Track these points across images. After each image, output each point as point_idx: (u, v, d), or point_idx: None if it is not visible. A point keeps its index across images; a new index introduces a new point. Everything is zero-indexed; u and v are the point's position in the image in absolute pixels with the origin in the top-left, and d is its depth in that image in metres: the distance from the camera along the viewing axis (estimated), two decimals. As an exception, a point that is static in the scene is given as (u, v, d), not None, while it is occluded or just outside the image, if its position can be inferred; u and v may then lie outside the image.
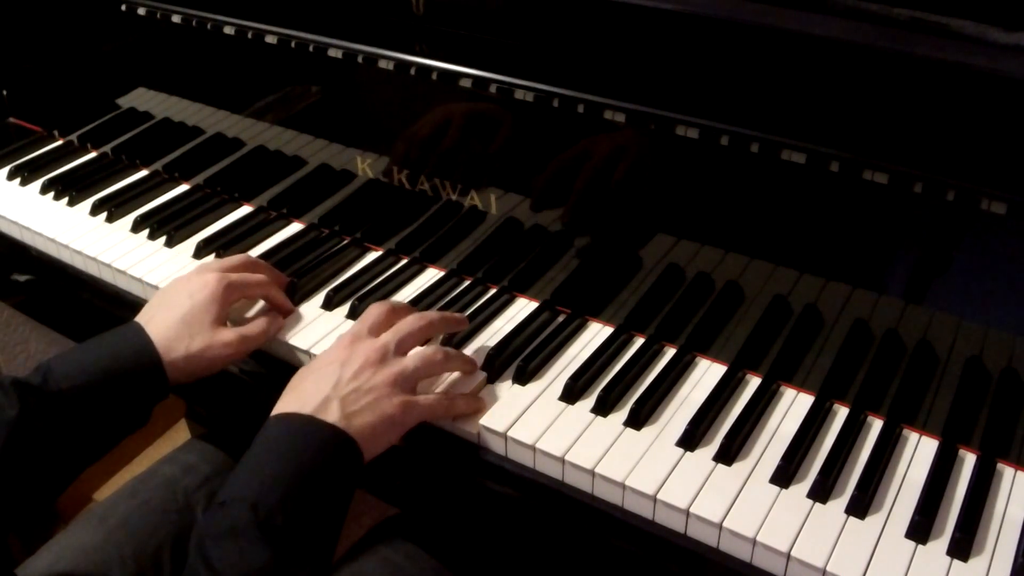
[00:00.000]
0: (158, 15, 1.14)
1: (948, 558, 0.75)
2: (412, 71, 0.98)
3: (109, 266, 1.12)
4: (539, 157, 0.95)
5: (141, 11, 1.15)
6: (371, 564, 0.93)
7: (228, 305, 0.94)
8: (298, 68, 1.08)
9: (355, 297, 1.03)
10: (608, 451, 0.84)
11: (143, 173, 1.30)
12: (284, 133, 1.14)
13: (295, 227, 1.19)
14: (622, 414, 0.88)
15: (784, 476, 0.81)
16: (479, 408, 0.88)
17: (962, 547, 0.75)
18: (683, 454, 0.84)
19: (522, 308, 1.03)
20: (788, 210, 0.86)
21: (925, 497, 0.79)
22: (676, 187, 0.90)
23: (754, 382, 0.92)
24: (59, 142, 1.38)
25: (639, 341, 0.97)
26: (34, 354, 1.75)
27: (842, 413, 0.89)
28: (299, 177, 1.16)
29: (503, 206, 1.00)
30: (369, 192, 1.10)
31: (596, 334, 0.99)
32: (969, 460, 0.84)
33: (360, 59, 1.00)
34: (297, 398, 0.81)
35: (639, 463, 0.82)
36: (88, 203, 1.22)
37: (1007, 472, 0.83)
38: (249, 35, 1.07)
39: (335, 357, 0.84)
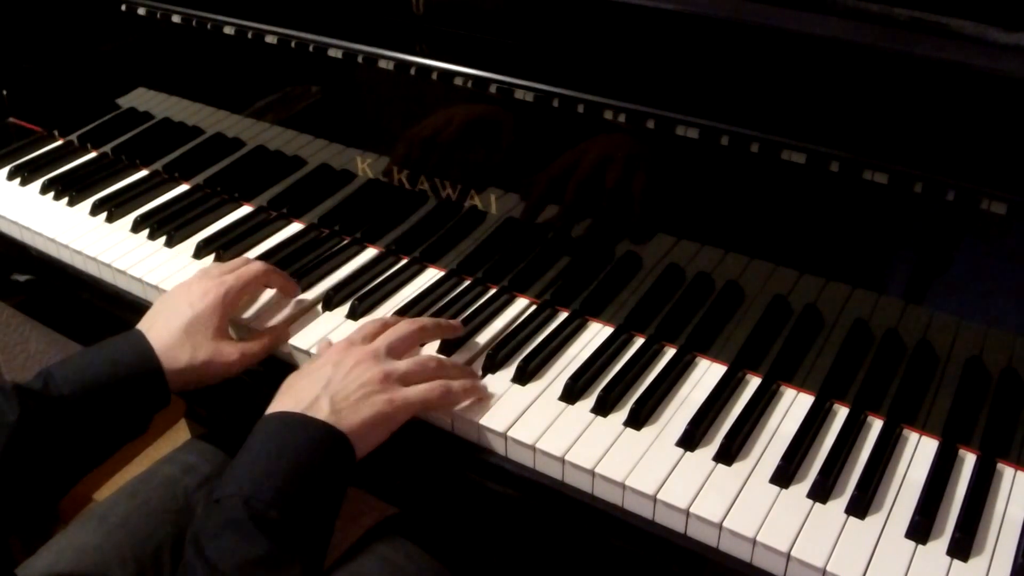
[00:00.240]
0: (158, 15, 1.14)
1: (948, 558, 0.75)
2: (412, 71, 0.98)
3: (109, 266, 1.12)
4: (539, 157, 0.95)
5: (141, 11, 1.15)
6: (371, 564, 0.93)
7: (230, 312, 0.95)
8: (298, 68, 1.08)
9: (355, 297, 1.03)
10: (608, 451, 0.84)
11: (143, 173, 1.30)
12: (284, 133, 1.14)
13: (295, 227, 1.19)
14: (622, 414, 0.88)
15: (784, 476, 0.81)
16: (477, 394, 0.88)
17: (962, 547, 0.75)
18: (683, 454, 0.84)
19: (522, 308, 1.03)
20: (788, 210, 0.86)
21: (925, 497, 0.79)
22: (676, 187, 0.90)
23: (754, 382, 0.92)
24: (59, 142, 1.38)
25: (639, 341, 0.97)
26: (34, 354, 1.75)
27: (842, 413, 0.89)
28: (299, 177, 1.16)
29: (503, 206, 1.00)
30: (369, 192, 1.10)
31: (596, 334, 0.99)
32: (969, 460, 0.84)
33: (360, 59, 1.00)
34: (290, 397, 0.82)
35: (639, 463, 0.82)
36: (88, 203, 1.22)
37: (1007, 472, 0.83)
38: (249, 35, 1.07)
39: (328, 360, 0.86)
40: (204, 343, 0.90)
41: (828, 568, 0.74)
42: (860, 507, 0.78)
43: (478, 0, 0.98)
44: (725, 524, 0.77)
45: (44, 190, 1.26)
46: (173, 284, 1.06)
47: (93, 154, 1.36)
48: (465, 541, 0.98)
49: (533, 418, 0.87)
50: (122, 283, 1.12)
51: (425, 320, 0.94)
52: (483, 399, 0.89)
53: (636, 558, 0.81)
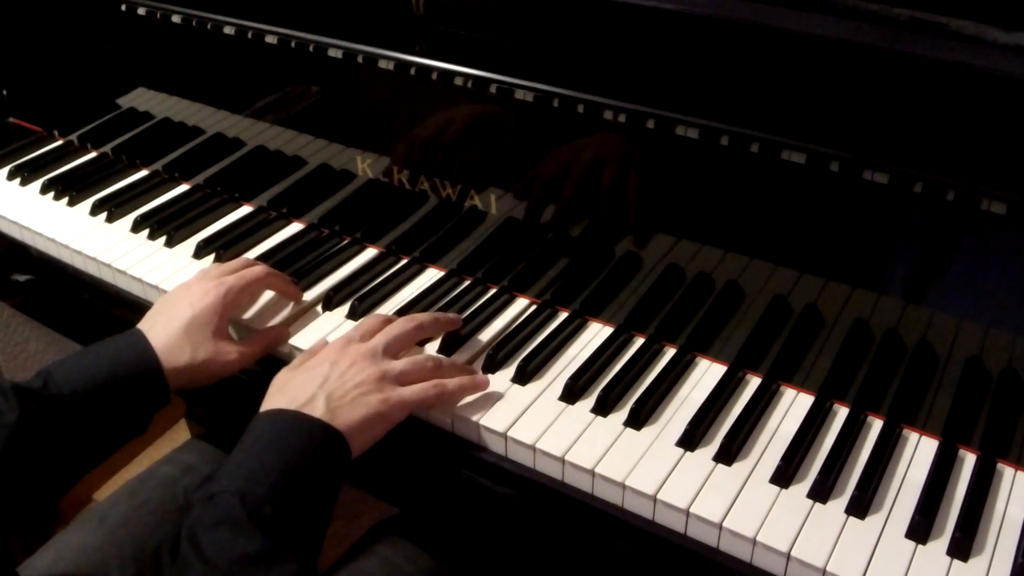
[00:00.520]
0: (158, 15, 1.14)
1: (948, 558, 0.75)
2: (412, 71, 0.98)
3: (109, 266, 1.12)
4: (539, 157, 0.95)
5: (141, 11, 1.15)
6: (370, 564, 0.93)
7: (230, 313, 0.95)
8: (298, 68, 1.08)
9: (355, 297, 1.03)
10: (608, 451, 0.84)
11: (143, 173, 1.30)
12: (284, 133, 1.14)
13: (295, 227, 1.19)
14: (622, 414, 0.88)
15: (784, 476, 0.81)
16: (475, 390, 0.88)
17: (962, 547, 0.75)
18: (683, 454, 0.84)
19: (522, 308, 1.03)
20: (788, 210, 0.86)
21: (925, 497, 0.79)
22: (676, 187, 0.90)
23: (754, 382, 0.92)
24: (59, 142, 1.38)
25: (639, 341, 0.97)
26: (34, 354, 1.75)
27: (842, 413, 0.89)
28: (299, 177, 1.16)
29: (503, 206, 1.00)
30: (369, 192, 1.10)
31: (596, 334, 0.99)
32: (969, 460, 0.84)
33: (360, 59, 1.00)
34: (285, 395, 0.82)
35: (639, 463, 0.82)
36: (88, 203, 1.22)
37: (1007, 472, 0.83)
38: (249, 35, 1.07)
39: (325, 358, 0.86)
40: (204, 343, 0.90)
41: (828, 568, 0.74)
42: (860, 507, 0.78)
43: (478, 0, 0.98)
44: (725, 524, 0.77)
45: (44, 190, 1.26)
46: (173, 284, 1.06)
47: (93, 154, 1.36)
48: (465, 541, 0.98)
49: (533, 418, 0.87)
50: (122, 283, 1.12)
51: (422, 317, 0.94)
52: (482, 398, 0.89)
53: (636, 558, 0.81)
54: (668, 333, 0.96)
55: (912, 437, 0.86)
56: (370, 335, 0.90)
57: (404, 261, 1.11)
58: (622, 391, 0.90)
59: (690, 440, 0.84)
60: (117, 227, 1.18)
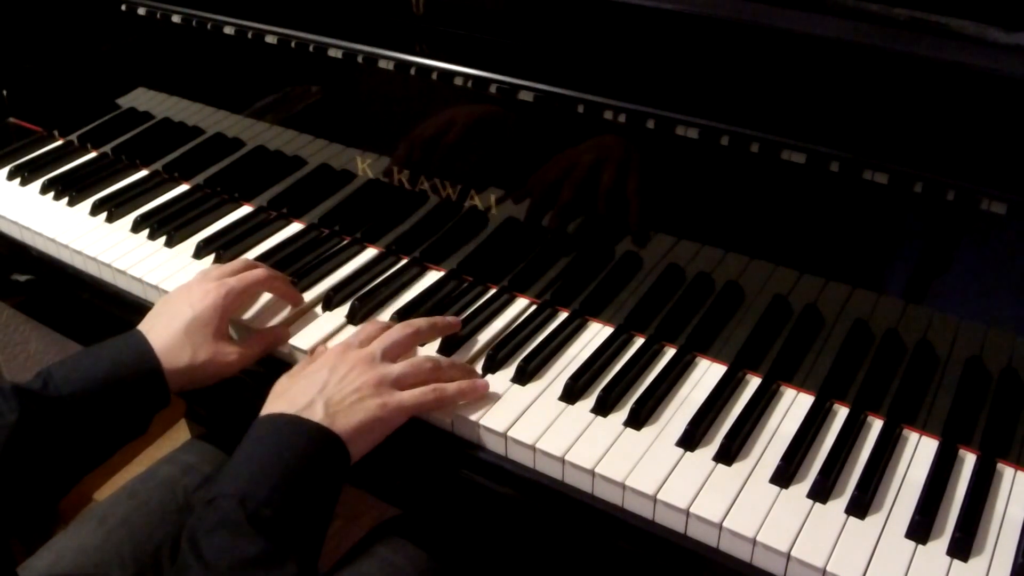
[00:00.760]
0: (158, 15, 1.14)
1: (948, 558, 0.75)
2: (412, 71, 0.98)
3: (109, 266, 1.12)
4: (539, 157, 0.95)
5: (141, 11, 1.15)
6: (371, 565, 0.93)
7: (230, 314, 0.95)
8: (298, 68, 1.08)
9: (355, 297, 1.03)
10: (608, 451, 0.84)
11: (143, 173, 1.30)
12: (284, 133, 1.14)
13: (295, 227, 1.19)
14: (622, 414, 0.88)
15: (784, 476, 0.81)
16: (474, 394, 0.88)
17: (962, 547, 0.75)
18: (683, 454, 0.84)
19: (522, 308, 1.03)
20: (788, 210, 0.86)
21: (925, 497, 0.79)
22: (676, 187, 0.90)
23: (754, 382, 0.92)
24: (59, 142, 1.38)
25: (639, 341, 0.97)
26: (34, 354, 1.75)
27: (842, 413, 0.89)
28: (299, 177, 1.16)
29: (503, 206, 1.00)
30: (369, 192, 1.10)
31: (596, 334, 0.99)
32: (969, 460, 0.84)
33: (360, 59, 1.00)
34: (285, 400, 0.83)
35: (639, 463, 0.82)
36: (88, 203, 1.22)
37: (1007, 472, 0.83)
38: (249, 35, 1.07)
39: (324, 363, 0.87)
40: (204, 344, 0.90)
41: (828, 568, 0.74)
42: (860, 507, 0.78)
43: (478, 0, 0.98)
44: (725, 524, 0.77)
45: (44, 190, 1.26)
46: (173, 284, 1.06)
47: (93, 154, 1.36)
48: (465, 542, 0.98)
49: (533, 418, 0.87)
50: (122, 283, 1.12)
51: (420, 322, 0.94)
52: (482, 399, 0.89)
53: (636, 558, 0.81)
54: (668, 333, 0.96)
55: (912, 437, 0.86)
56: (369, 341, 0.90)
57: (404, 261, 1.11)
58: (622, 391, 0.90)
59: (690, 440, 0.84)
60: (117, 227, 1.18)
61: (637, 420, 0.87)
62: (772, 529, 0.76)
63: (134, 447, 1.76)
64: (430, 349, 0.96)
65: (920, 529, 0.76)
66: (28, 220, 1.20)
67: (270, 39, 1.06)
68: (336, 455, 0.79)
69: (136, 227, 1.17)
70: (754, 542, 0.76)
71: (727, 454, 0.83)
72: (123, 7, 1.16)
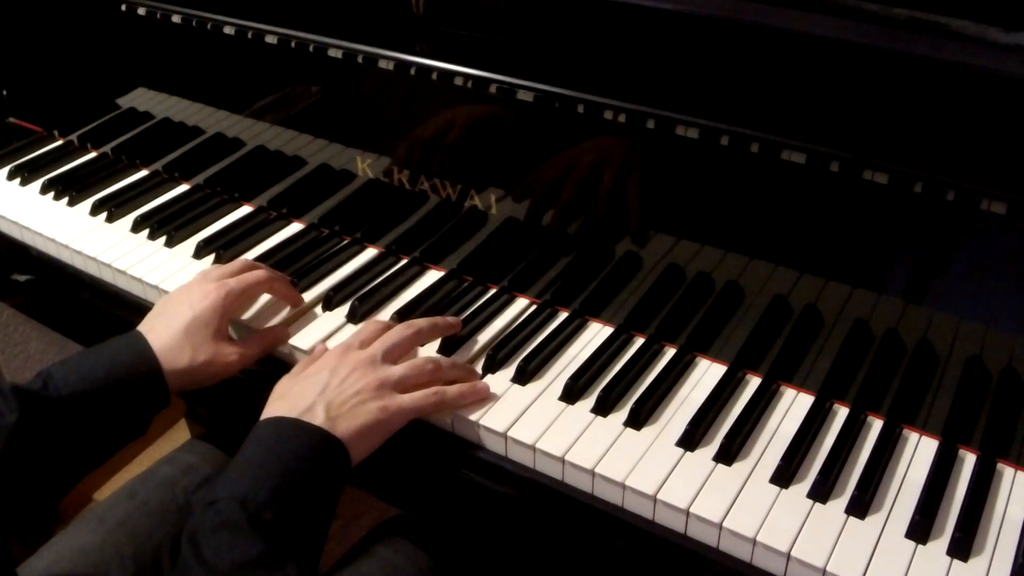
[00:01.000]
0: (158, 15, 1.14)
1: (948, 558, 0.75)
2: (412, 71, 0.98)
3: (109, 266, 1.12)
4: (539, 157, 0.95)
5: (141, 11, 1.15)
6: (371, 565, 0.93)
7: (230, 314, 0.95)
8: (298, 68, 1.08)
9: (355, 297, 1.03)
10: (608, 451, 0.84)
11: (143, 173, 1.30)
12: (284, 133, 1.14)
13: (295, 227, 1.19)
14: (622, 414, 0.88)
15: (784, 476, 0.81)
16: (474, 398, 0.88)
17: (962, 547, 0.75)
18: (683, 454, 0.84)
19: (522, 308, 1.03)
20: (788, 210, 0.86)
21: (925, 497, 0.79)
22: (676, 187, 0.90)
23: (754, 382, 0.92)
24: (59, 142, 1.38)
25: (639, 341, 0.97)
26: (34, 354, 1.75)
27: (842, 413, 0.89)
28: (299, 177, 1.16)
29: (503, 206, 1.00)
30: (369, 192, 1.10)
31: (596, 334, 0.99)
32: (969, 460, 0.84)
33: (360, 59, 1.00)
34: (285, 403, 0.83)
35: (639, 463, 0.82)
36: (88, 203, 1.22)
37: (1007, 472, 0.83)
38: (249, 35, 1.07)
39: (324, 365, 0.86)
40: (204, 344, 0.90)
41: (828, 568, 0.74)
42: (860, 507, 0.78)
43: (478, 0, 0.98)
44: (725, 524, 0.77)
45: (44, 190, 1.26)
46: (173, 284, 1.06)
47: (93, 154, 1.36)
48: (465, 542, 0.98)
49: (533, 418, 0.87)
50: (122, 283, 1.12)
51: (421, 322, 0.94)
52: (481, 400, 0.89)
53: (636, 558, 0.81)
54: (668, 333, 0.96)
55: (912, 437, 0.86)
56: (370, 342, 0.90)
57: (404, 261, 1.11)
58: (622, 391, 0.90)
59: (690, 440, 0.84)
60: (117, 227, 1.18)
61: (637, 420, 0.87)
62: (772, 529, 0.76)
63: (134, 447, 1.76)
64: (430, 349, 0.96)
65: (920, 529, 0.76)
66: (28, 220, 1.20)
67: (270, 39, 1.06)
68: (337, 458, 0.79)
69: (136, 227, 1.17)
70: (754, 542, 0.76)
71: (727, 454, 0.83)
72: (123, 7, 1.16)
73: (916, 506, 0.78)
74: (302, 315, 1.03)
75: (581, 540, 0.85)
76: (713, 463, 0.83)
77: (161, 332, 0.90)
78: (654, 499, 0.79)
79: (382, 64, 0.99)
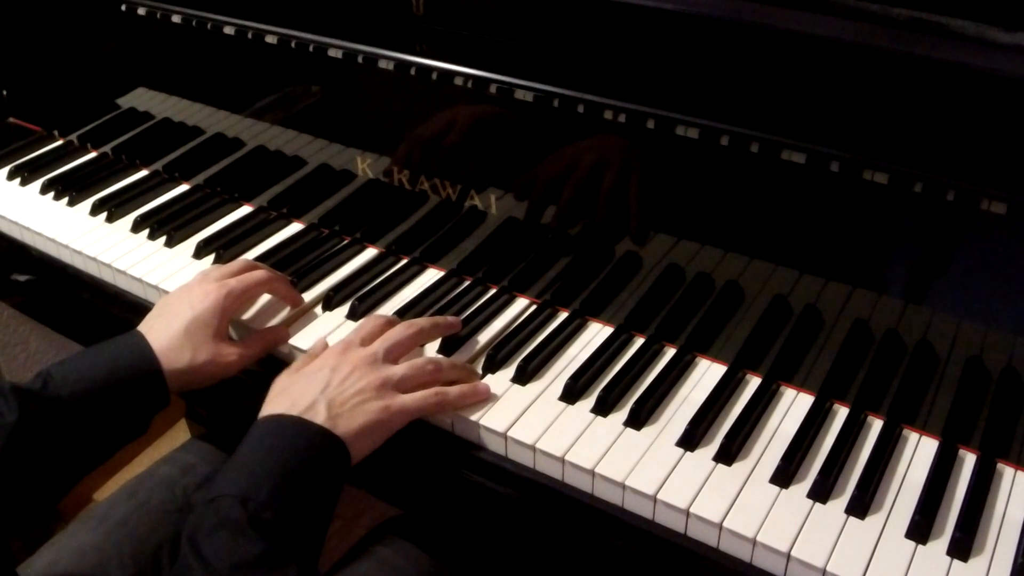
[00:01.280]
0: (158, 15, 1.14)
1: (948, 558, 0.75)
2: (412, 71, 0.98)
3: (109, 266, 1.12)
4: (539, 157, 0.95)
5: (141, 11, 1.15)
6: (371, 565, 0.93)
7: (231, 314, 0.95)
8: (298, 68, 1.08)
9: (355, 297, 1.03)
10: (608, 451, 0.84)
11: (143, 173, 1.30)
12: (284, 133, 1.14)
13: (295, 227, 1.19)
14: (622, 414, 0.88)
15: (784, 476, 0.81)
16: (475, 399, 0.88)
17: (962, 547, 0.75)
18: (683, 454, 0.84)
19: (522, 308, 1.03)
20: (788, 210, 0.86)
21: (925, 497, 0.79)
22: (676, 187, 0.90)
23: (754, 382, 0.92)
24: (59, 142, 1.38)
25: (639, 341, 0.97)
26: (34, 354, 1.75)
27: (842, 413, 0.89)
28: (299, 177, 1.16)
29: (503, 206, 1.00)
30: (369, 192, 1.10)
31: (596, 334, 0.99)
32: (969, 460, 0.84)
33: (360, 59, 1.00)
34: (285, 400, 0.82)
35: (639, 463, 0.82)
36: (88, 203, 1.22)
37: (1007, 472, 0.83)
38: (249, 35, 1.07)
39: (325, 363, 0.86)
40: (204, 344, 0.90)
41: (828, 568, 0.74)
42: (860, 507, 0.78)
43: (478, 0, 0.98)
44: (725, 524, 0.77)
45: (44, 190, 1.26)
46: (173, 284, 1.06)
47: (93, 154, 1.36)
48: (465, 542, 0.98)
49: (533, 418, 0.87)
50: (122, 283, 1.12)
51: (422, 322, 0.94)
52: (482, 400, 0.89)
53: (636, 558, 0.81)
54: (668, 333, 0.96)
55: (912, 437, 0.86)
56: (371, 339, 0.90)
57: (404, 261, 1.11)
58: (622, 391, 0.90)
59: (690, 440, 0.84)
60: (117, 227, 1.18)
61: (637, 420, 0.87)
62: (772, 529, 0.76)
63: (134, 447, 1.76)
64: (431, 349, 0.96)
65: (920, 529, 0.76)
66: (28, 220, 1.20)
67: (270, 39, 1.06)
68: (337, 457, 0.79)
69: (136, 227, 1.17)
70: (754, 542, 0.76)
71: (727, 454, 0.83)
72: (123, 7, 1.16)
73: (916, 506, 0.78)
74: (302, 315, 1.03)
75: (581, 540, 0.85)
76: (713, 463, 0.83)
77: (161, 332, 0.90)
78: (654, 499, 0.79)
79: (382, 64, 0.99)
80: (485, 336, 0.99)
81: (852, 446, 0.85)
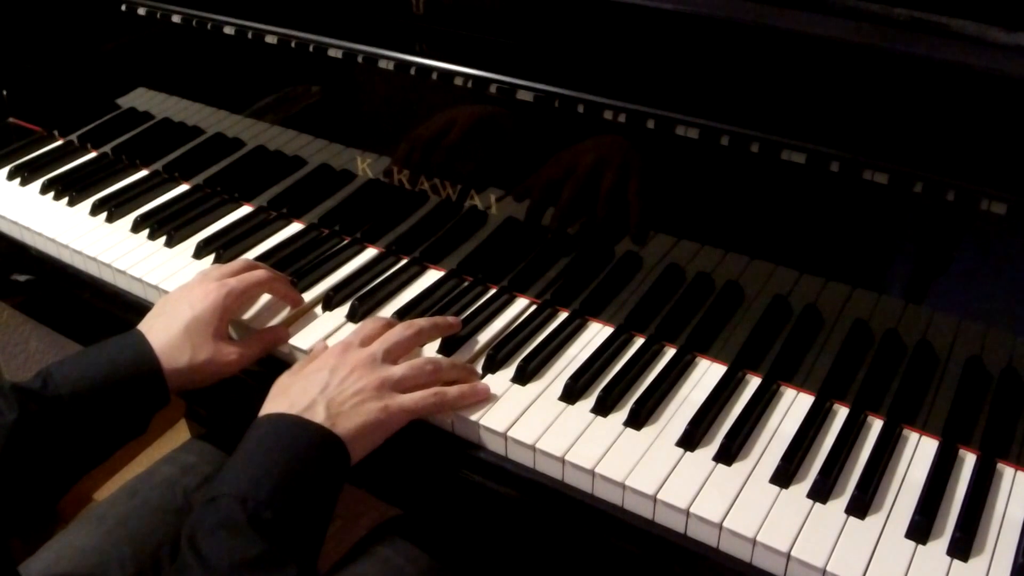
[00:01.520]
0: (158, 15, 1.14)
1: (948, 558, 0.75)
2: (412, 71, 0.98)
3: (109, 266, 1.12)
4: (539, 157, 0.95)
5: (141, 11, 1.15)
6: (371, 565, 0.93)
7: (230, 315, 0.95)
8: (298, 68, 1.08)
9: (355, 297, 1.03)
10: (608, 451, 0.84)
11: (143, 173, 1.30)
12: (284, 133, 1.14)
13: (295, 227, 1.19)
14: (622, 414, 0.88)
15: (784, 476, 0.81)
16: (475, 399, 0.88)
17: (962, 547, 0.75)
18: (683, 454, 0.84)
19: (522, 308, 1.03)
20: (788, 210, 0.86)
21: (925, 497, 0.79)
22: (676, 187, 0.90)
23: (754, 382, 0.92)
24: (59, 142, 1.38)
25: (639, 341, 0.97)
26: (34, 354, 1.75)
27: (842, 413, 0.89)
28: (299, 177, 1.16)
29: (503, 206, 1.00)
30: (369, 192, 1.10)
31: (596, 334, 0.99)
32: (969, 460, 0.84)
33: (360, 59, 1.00)
34: (285, 400, 0.83)
35: (639, 463, 0.82)
36: (88, 203, 1.22)
37: (1007, 472, 0.83)
38: (249, 35, 1.07)
39: (324, 364, 0.86)
40: (204, 344, 0.90)
41: (828, 568, 0.74)
42: (860, 507, 0.78)
43: (478, 0, 0.98)
44: (725, 524, 0.77)
45: (44, 190, 1.26)
46: (173, 284, 1.06)
47: (93, 154, 1.36)
48: (465, 542, 0.98)
49: (533, 418, 0.87)
50: (122, 283, 1.12)
51: (422, 322, 0.94)
52: (481, 400, 0.89)
53: (636, 558, 0.81)
54: (668, 333, 0.96)
55: (912, 437, 0.86)
56: (370, 340, 0.90)
57: (404, 261, 1.11)
58: (622, 391, 0.90)
59: (690, 440, 0.84)
60: (117, 227, 1.18)
61: (637, 420, 0.87)
62: (772, 529, 0.76)
63: (134, 447, 1.76)
64: (430, 349, 0.96)
65: (920, 529, 0.76)
66: (28, 220, 1.20)
67: (270, 39, 1.06)
68: (337, 457, 0.79)
69: (136, 227, 1.17)
70: (754, 542, 0.76)
71: (727, 454, 0.83)
72: (123, 7, 1.16)
73: (916, 506, 0.78)
74: (302, 315, 1.03)
75: (581, 540, 0.85)
76: (713, 463, 0.83)
77: (161, 331, 0.90)
78: (654, 499, 0.79)
79: (382, 64, 0.99)
80: (485, 336, 0.99)
81: (852, 446, 0.85)
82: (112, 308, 1.13)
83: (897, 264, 0.83)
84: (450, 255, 1.08)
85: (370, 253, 1.13)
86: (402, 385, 0.86)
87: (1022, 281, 0.76)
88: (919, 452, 0.85)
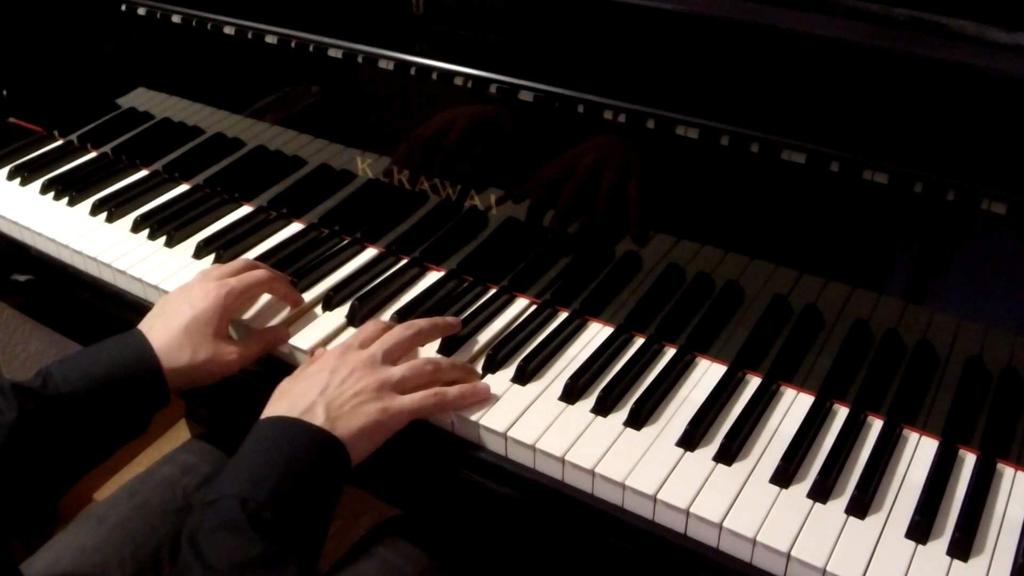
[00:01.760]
0: (158, 15, 1.14)
1: (948, 558, 0.75)
2: (412, 71, 0.98)
3: (109, 266, 1.12)
4: (539, 157, 0.95)
5: (141, 11, 1.15)
6: (371, 565, 0.93)
7: (230, 314, 0.95)
8: (298, 68, 1.08)
9: (355, 297, 1.03)
10: (608, 451, 0.84)
11: (143, 173, 1.30)
12: (284, 133, 1.14)
13: (295, 227, 1.19)
14: (622, 414, 0.88)
15: (784, 476, 0.81)
16: (474, 399, 0.88)
17: (962, 547, 0.75)
18: (683, 454, 0.84)
19: (522, 308, 1.03)
20: (788, 210, 0.86)
21: (925, 497, 0.79)
22: (676, 187, 0.90)
23: (754, 382, 0.92)
24: (59, 142, 1.38)
25: (639, 341, 0.97)
26: (34, 354, 1.75)
27: (842, 413, 0.89)
28: (299, 177, 1.16)
29: (503, 206, 1.00)
30: (369, 192, 1.10)
31: (596, 334, 0.99)
32: (969, 460, 0.84)
33: (360, 59, 1.00)
34: (285, 402, 0.83)
35: (639, 463, 0.82)
36: (88, 203, 1.22)
37: (1007, 472, 0.83)
38: (249, 35, 1.07)
39: (324, 365, 0.86)
40: (204, 343, 0.90)
41: (828, 568, 0.74)
42: (860, 507, 0.78)
43: (478, 0, 0.98)
44: (725, 524, 0.77)
45: (44, 190, 1.26)
46: (173, 284, 1.06)
47: (93, 154, 1.36)
48: (465, 542, 0.98)
49: (533, 418, 0.87)
50: (122, 283, 1.12)
51: (421, 323, 0.94)
52: (481, 400, 0.89)
53: (636, 558, 0.81)
54: (668, 333, 0.96)
55: (912, 437, 0.86)
56: (370, 341, 0.90)
57: (404, 261, 1.11)
58: (622, 391, 0.90)
59: (690, 440, 0.84)
60: (117, 227, 1.18)
61: (637, 420, 0.87)
62: (772, 529, 0.76)
63: (134, 447, 1.76)
64: (430, 349, 0.96)
65: (920, 529, 0.76)
66: (28, 220, 1.20)
67: (270, 39, 1.06)
68: (337, 458, 0.79)
69: (136, 227, 1.17)
70: (754, 542, 0.76)
71: (727, 454, 0.83)
72: (123, 7, 1.16)
73: (916, 506, 0.78)
74: (302, 315, 1.03)
75: (581, 540, 0.85)
76: (713, 463, 0.83)
77: (161, 331, 0.90)
78: (654, 499, 0.79)
79: (382, 64, 0.99)
80: (485, 336, 0.99)
81: (852, 446, 0.85)
82: (112, 308, 1.13)
83: (897, 264, 0.83)
84: (450, 255, 1.08)
85: (370, 253, 1.13)
86: (402, 386, 0.86)
87: (1022, 281, 0.76)
88: (919, 452, 0.85)
